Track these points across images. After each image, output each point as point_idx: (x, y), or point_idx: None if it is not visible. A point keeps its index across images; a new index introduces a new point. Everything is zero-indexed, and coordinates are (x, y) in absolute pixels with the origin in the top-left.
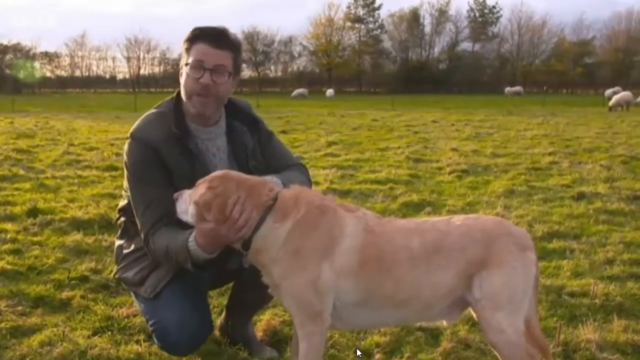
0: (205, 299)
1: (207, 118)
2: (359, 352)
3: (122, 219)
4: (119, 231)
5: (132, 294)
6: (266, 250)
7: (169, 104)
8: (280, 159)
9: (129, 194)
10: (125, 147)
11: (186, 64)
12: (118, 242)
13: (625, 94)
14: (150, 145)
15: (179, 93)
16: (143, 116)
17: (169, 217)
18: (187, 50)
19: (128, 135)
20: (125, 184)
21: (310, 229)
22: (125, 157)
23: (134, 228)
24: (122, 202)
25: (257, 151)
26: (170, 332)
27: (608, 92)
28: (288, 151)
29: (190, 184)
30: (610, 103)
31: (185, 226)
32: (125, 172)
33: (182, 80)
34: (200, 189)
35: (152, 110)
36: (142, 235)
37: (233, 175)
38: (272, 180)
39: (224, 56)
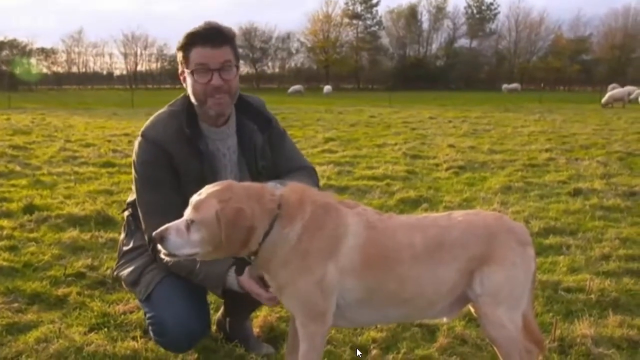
0: (203, 296)
1: (224, 117)
2: (359, 353)
3: (126, 212)
4: (124, 224)
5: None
6: (276, 255)
7: (183, 101)
8: (289, 161)
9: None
10: (135, 145)
11: (190, 72)
12: (121, 236)
13: (617, 91)
14: (159, 145)
15: None
16: (156, 114)
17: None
18: (185, 57)
19: (139, 133)
20: None
21: (316, 229)
22: (134, 156)
23: (135, 223)
24: (131, 197)
25: (267, 151)
26: (167, 329)
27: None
28: (299, 153)
29: (199, 185)
30: (603, 100)
31: None
32: (133, 172)
33: (189, 87)
34: (208, 204)
35: (165, 109)
36: (147, 239)
37: (236, 185)
38: (272, 185)
39: (226, 52)
